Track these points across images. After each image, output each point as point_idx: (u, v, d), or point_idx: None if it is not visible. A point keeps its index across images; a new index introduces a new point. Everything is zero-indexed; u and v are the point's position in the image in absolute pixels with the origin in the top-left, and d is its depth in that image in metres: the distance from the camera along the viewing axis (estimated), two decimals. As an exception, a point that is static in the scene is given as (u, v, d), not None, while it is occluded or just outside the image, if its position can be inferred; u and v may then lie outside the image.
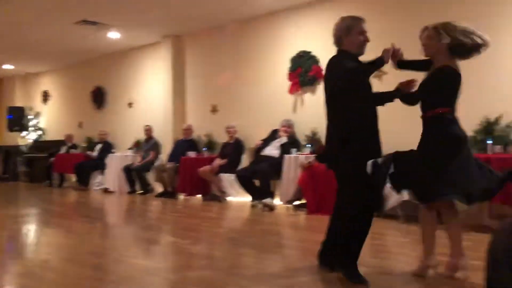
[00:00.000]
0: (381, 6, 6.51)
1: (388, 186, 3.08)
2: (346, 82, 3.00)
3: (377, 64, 3.00)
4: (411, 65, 3.25)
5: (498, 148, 4.94)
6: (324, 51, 7.15)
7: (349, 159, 3.05)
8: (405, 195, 5.18)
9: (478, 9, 5.50)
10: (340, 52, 3.17)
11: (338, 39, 3.16)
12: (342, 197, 3.24)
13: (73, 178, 10.76)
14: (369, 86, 3.15)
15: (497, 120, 5.22)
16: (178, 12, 7.86)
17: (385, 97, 3.28)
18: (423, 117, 3.08)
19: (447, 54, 2.98)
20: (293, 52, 7.45)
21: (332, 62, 3.11)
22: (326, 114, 3.17)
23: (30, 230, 5.25)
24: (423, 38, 3.09)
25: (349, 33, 3.09)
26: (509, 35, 5.36)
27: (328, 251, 3.24)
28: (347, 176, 3.13)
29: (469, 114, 5.40)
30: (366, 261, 3.56)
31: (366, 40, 3.10)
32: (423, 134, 3.09)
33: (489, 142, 4.97)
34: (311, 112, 7.24)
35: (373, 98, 3.19)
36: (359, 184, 3.04)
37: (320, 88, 7.18)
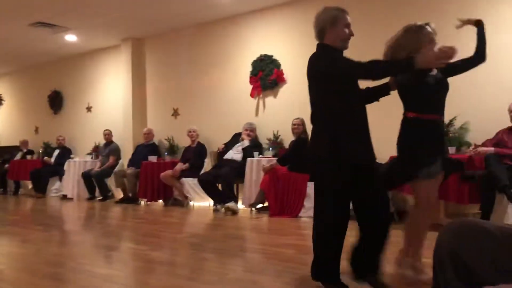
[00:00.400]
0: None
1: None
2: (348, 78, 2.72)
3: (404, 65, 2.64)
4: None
5: (452, 149, 5.11)
6: (285, 55, 7.23)
7: (334, 167, 2.67)
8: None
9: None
10: (323, 46, 2.81)
11: (321, 31, 2.80)
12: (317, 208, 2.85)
13: (29, 185, 10.39)
14: (357, 86, 2.84)
15: (451, 122, 5.42)
16: (138, 15, 7.75)
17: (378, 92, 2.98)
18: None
19: None
20: (254, 56, 7.49)
21: (319, 58, 2.78)
22: (311, 116, 2.85)
23: (-18, 240, 5.03)
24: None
25: (335, 25, 2.76)
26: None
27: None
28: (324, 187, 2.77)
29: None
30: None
31: (351, 34, 2.79)
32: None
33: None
34: (273, 115, 7.30)
35: (363, 98, 2.87)
36: (335, 197, 2.70)
37: (281, 91, 7.27)
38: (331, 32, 2.77)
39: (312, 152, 2.81)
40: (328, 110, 2.74)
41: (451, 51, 2.48)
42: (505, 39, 5.27)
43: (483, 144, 4.91)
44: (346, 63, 2.69)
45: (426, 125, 2.87)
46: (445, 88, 2.96)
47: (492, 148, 4.74)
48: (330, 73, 2.70)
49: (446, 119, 5.38)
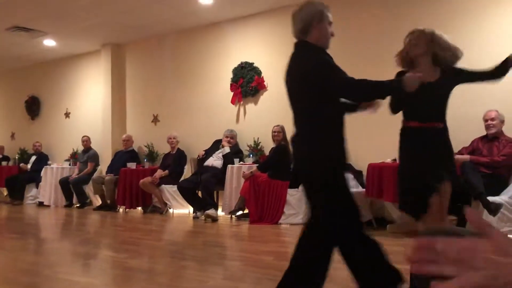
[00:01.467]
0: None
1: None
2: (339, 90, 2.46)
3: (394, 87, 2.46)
4: None
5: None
6: (266, 62, 7.27)
7: (320, 182, 2.46)
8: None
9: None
10: (307, 45, 2.49)
11: (305, 27, 2.48)
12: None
13: (4, 192, 10.18)
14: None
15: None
16: (117, 21, 7.70)
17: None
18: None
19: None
20: (235, 63, 7.51)
21: (307, 58, 2.47)
22: (294, 123, 2.56)
23: (-45, 249, 4.90)
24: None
25: (321, 21, 2.48)
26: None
27: None
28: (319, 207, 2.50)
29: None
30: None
31: (333, 35, 2.54)
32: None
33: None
34: (254, 122, 7.32)
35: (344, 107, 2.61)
36: (333, 216, 2.42)
37: (262, 99, 7.30)
38: (317, 29, 2.47)
39: (305, 158, 2.51)
40: (318, 113, 2.45)
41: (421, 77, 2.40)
42: (483, 47, 5.39)
43: (459, 152, 5.01)
44: (341, 78, 2.40)
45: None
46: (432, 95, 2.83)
47: (468, 156, 4.84)
48: (321, 76, 2.39)
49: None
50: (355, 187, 5.86)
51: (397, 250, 4.19)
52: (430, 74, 2.77)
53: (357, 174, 6.00)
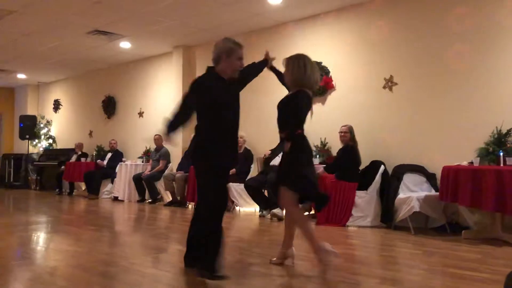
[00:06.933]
0: (393, 18, 6.52)
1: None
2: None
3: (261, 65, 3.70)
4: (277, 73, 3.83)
5: (509, 160, 4.89)
6: (334, 61, 7.17)
7: (202, 171, 3.36)
8: (416, 206, 5.18)
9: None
10: (210, 70, 3.43)
11: (216, 59, 3.36)
12: (199, 201, 3.51)
13: (82, 186, 10.81)
14: (221, 97, 3.32)
15: (509, 132, 5.18)
16: (189, 23, 7.93)
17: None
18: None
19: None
20: (303, 63, 7.45)
21: (199, 77, 3.50)
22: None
23: (40, 237, 5.26)
24: None
25: (229, 57, 3.31)
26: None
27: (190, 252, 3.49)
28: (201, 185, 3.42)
29: (481, 126, 5.39)
30: (377, 273, 3.53)
31: (242, 66, 3.38)
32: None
33: (501, 153, 4.92)
34: (321, 122, 7.21)
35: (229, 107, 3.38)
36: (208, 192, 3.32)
37: (330, 98, 7.21)
38: (225, 62, 3.32)
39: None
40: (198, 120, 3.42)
41: None
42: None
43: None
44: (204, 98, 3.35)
45: None
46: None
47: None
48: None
49: (504, 129, 5.20)
50: (427, 190, 5.64)
51: (473, 258, 3.98)
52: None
53: (430, 177, 5.77)
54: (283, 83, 3.77)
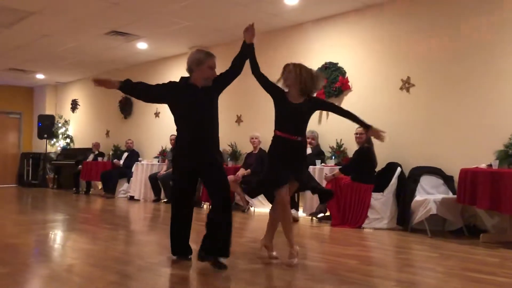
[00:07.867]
0: (407, 20, 6.46)
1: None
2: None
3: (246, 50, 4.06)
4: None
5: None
6: (351, 62, 7.13)
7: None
8: (433, 209, 5.13)
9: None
10: (184, 78, 3.72)
11: (190, 68, 3.67)
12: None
13: (99, 185, 10.93)
14: (184, 98, 3.58)
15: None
16: (205, 24, 7.96)
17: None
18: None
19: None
20: (319, 63, 7.44)
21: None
22: None
23: (57, 235, 5.34)
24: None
25: (199, 66, 3.60)
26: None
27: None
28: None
29: (499, 128, 5.31)
30: (393, 276, 3.50)
31: (214, 75, 3.67)
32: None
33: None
34: (336, 123, 7.18)
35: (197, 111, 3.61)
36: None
37: (346, 99, 7.17)
38: (196, 71, 3.63)
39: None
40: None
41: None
42: None
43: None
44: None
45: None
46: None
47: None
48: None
49: None
50: (444, 193, 5.58)
51: (491, 262, 3.93)
52: (296, 98, 4.02)
53: (447, 179, 5.70)
54: (252, 63, 4.26)
